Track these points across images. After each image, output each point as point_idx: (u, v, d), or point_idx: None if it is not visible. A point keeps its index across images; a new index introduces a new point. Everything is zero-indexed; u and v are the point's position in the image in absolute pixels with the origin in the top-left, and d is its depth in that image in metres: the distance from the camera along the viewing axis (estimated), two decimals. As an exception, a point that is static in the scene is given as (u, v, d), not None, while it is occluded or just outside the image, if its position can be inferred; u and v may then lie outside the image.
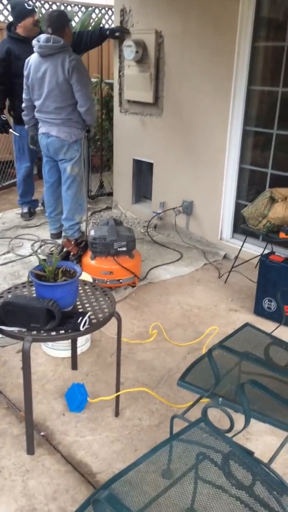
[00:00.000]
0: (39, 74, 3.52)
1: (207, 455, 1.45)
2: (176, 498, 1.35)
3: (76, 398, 2.18)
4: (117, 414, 2.18)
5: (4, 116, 4.33)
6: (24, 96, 3.71)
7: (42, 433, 2.07)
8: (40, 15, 4.60)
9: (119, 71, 4.54)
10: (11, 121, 4.41)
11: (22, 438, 2.00)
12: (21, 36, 4.03)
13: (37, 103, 3.63)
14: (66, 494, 1.78)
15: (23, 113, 3.81)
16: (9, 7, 5.25)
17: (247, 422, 1.45)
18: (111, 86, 5.12)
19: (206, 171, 4.00)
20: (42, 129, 3.69)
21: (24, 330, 1.83)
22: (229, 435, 1.51)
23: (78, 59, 3.50)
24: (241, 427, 1.53)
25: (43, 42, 3.43)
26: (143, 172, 4.79)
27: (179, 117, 4.10)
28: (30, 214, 4.62)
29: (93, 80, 5.04)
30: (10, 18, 4.30)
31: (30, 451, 1.96)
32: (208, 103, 3.83)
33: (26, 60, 3.61)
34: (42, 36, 3.46)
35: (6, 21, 5.73)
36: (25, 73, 3.62)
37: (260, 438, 2.05)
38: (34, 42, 3.50)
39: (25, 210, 4.62)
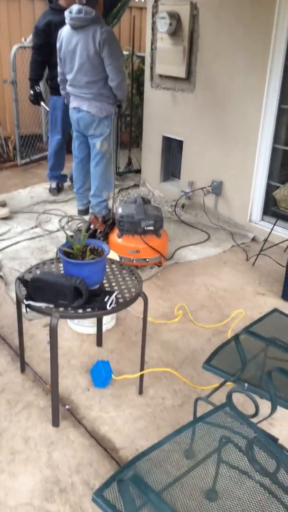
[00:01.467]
0: (71, 47, 3.46)
1: (231, 439, 1.45)
2: (199, 479, 1.37)
3: (101, 375, 2.22)
4: (140, 392, 2.21)
5: (38, 87, 4.31)
6: (58, 69, 3.67)
7: (67, 407, 2.11)
8: None
9: (152, 44, 4.43)
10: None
11: (48, 410, 2.05)
12: (63, 7, 3.97)
13: (68, 77, 3.58)
14: (89, 468, 1.83)
15: (60, 87, 3.78)
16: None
17: (273, 409, 1.44)
18: (142, 59, 5.01)
19: (238, 151, 3.90)
20: (73, 103, 3.66)
21: (51, 306, 1.85)
22: (254, 420, 1.51)
23: (109, 31, 3.42)
24: (264, 413, 1.52)
25: (75, 14, 3.36)
26: (172, 150, 4.71)
27: (211, 93, 3.99)
28: (58, 190, 4.63)
29: (125, 53, 4.93)
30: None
31: (56, 423, 2.01)
32: (242, 79, 3.71)
33: (59, 33, 3.56)
34: (74, 7, 3.38)
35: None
36: (57, 45, 3.57)
37: (284, 424, 2.04)
38: (66, 13, 3.43)
39: (53, 185, 4.63)
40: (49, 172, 4.65)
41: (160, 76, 4.41)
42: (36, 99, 4.36)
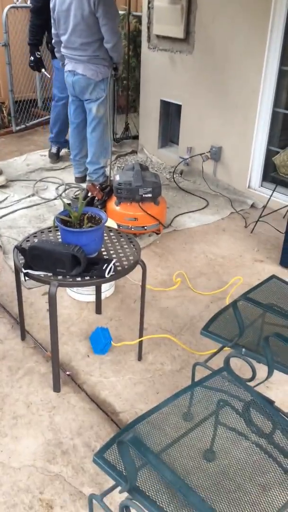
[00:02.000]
0: (64, 7, 3.32)
1: (228, 402, 1.49)
2: (196, 440, 1.41)
3: (100, 341, 2.24)
4: (140, 358, 2.24)
5: (39, 53, 4.15)
6: (53, 31, 3.54)
7: (67, 373, 2.15)
8: None
9: (148, 3, 4.25)
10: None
11: (49, 376, 2.08)
12: None
13: (63, 39, 3.46)
14: (90, 430, 1.88)
15: (55, 49, 3.65)
16: None
17: (270, 373, 1.47)
18: (139, 19, 4.83)
19: (237, 115, 3.81)
20: (68, 66, 3.55)
21: (50, 274, 1.85)
22: (251, 384, 1.54)
23: (105, -11, 3.27)
24: (261, 377, 1.55)
25: None
26: (170, 115, 4.61)
27: (210, 55, 3.86)
28: (58, 156, 4.53)
29: (120, 12, 4.75)
30: None
31: (57, 388, 2.05)
32: (242, 40, 3.58)
33: (52, -9, 3.41)
34: None
35: None
36: (51, 5, 3.42)
37: (281, 387, 2.08)
38: None
39: (54, 150, 4.50)
40: (53, 136, 4.46)
41: (158, 36, 4.26)
42: (37, 65, 4.21)
